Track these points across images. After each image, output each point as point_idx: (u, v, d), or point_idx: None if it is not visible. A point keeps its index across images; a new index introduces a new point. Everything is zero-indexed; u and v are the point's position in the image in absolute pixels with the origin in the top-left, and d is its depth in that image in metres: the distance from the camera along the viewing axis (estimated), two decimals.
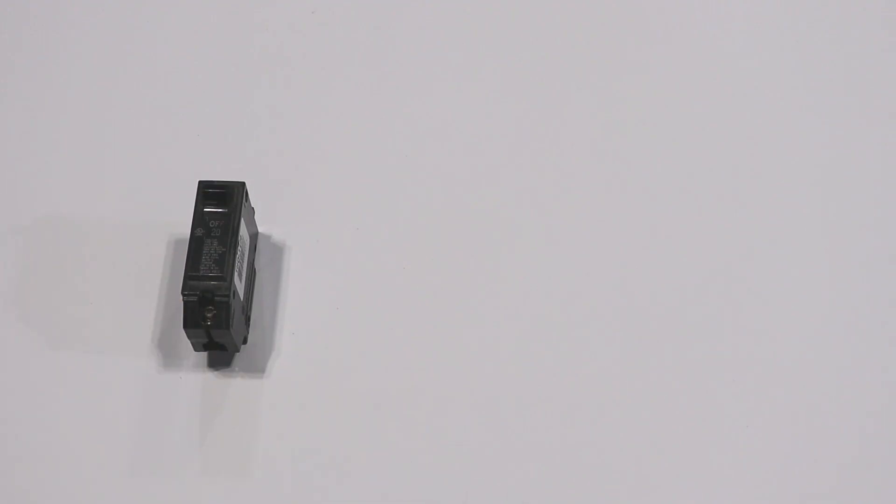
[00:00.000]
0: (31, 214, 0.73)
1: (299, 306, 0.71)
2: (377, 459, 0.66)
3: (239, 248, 0.66)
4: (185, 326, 0.64)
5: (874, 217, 0.75)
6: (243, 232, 0.67)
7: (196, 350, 0.67)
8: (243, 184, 0.68)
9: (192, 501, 0.65)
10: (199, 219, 0.66)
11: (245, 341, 0.69)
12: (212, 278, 0.64)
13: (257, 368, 0.69)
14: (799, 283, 0.72)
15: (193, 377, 0.68)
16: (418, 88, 0.80)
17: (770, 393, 0.68)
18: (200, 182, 0.67)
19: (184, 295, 0.64)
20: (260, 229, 0.73)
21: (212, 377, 0.68)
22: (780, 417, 0.68)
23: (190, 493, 0.65)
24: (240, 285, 0.67)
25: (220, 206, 0.66)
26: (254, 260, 0.71)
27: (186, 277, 0.64)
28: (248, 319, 0.69)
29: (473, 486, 0.66)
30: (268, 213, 0.72)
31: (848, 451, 0.67)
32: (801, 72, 0.81)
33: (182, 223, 0.67)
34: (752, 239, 0.74)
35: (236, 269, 0.65)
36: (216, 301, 0.64)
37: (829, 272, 0.73)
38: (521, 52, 0.81)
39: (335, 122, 0.78)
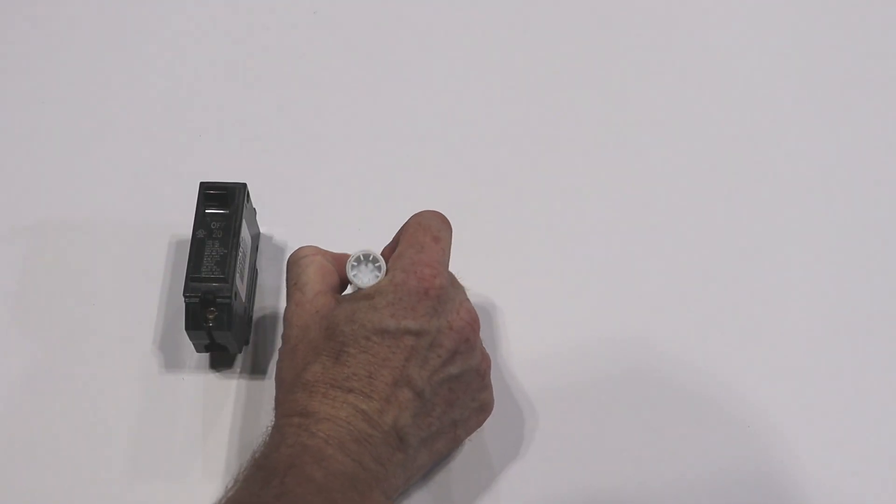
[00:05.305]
0: (32, 215, 0.73)
1: None
2: None
3: (240, 249, 0.66)
4: (186, 328, 0.64)
5: (882, 214, 0.75)
6: (245, 233, 0.67)
7: (198, 351, 0.67)
8: (244, 185, 0.68)
9: (193, 502, 0.65)
10: (200, 220, 0.66)
11: (247, 342, 0.69)
12: (213, 280, 0.64)
13: (259, 369, 0.69)
14: (802, 278, 0.72)
15: (195, 378, 0.68)
16: (420, 88, 0.80)
17: (771, 392, 0.68)
18: (202, 183, 0.67)
19: (185, 297, 0.64)
20: (262, 230, 0.73)
21: (214, 378, 0.68)
22: (782, 417, 0.68)
23: (192, 495, 0.65)
24: (241, 286, 0.67)
25: (222, 207, 0.66)
26: (255, 260, 0.71)
27: (188, 279, 0.64)
28: (249, 320, 0.69)
29: (473, 485, 0.66)
30: (269, 214, 0.72)
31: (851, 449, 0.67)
32: (803, 72, 0.81)
33: (183, 224, 0.67)
34: (756, 238, 0.74)
35: (238, 270, 0.65)
36: (218, 303, 0.64)
37: (837, 265, 0.73)
38: (522, 52, 0.81)
39: (337, 123, 0.78)
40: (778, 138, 0.78)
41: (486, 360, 0.62)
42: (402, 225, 0.63)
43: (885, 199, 0.75)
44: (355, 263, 0.62)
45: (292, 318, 0.61)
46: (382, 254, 0.63)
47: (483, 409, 0.63)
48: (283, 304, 0.71)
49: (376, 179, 0.76)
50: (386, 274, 0.61)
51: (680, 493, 0.65)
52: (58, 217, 0.73)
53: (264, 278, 0.72)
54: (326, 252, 0.64)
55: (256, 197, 0.70)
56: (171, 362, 0.68)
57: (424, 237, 0.61)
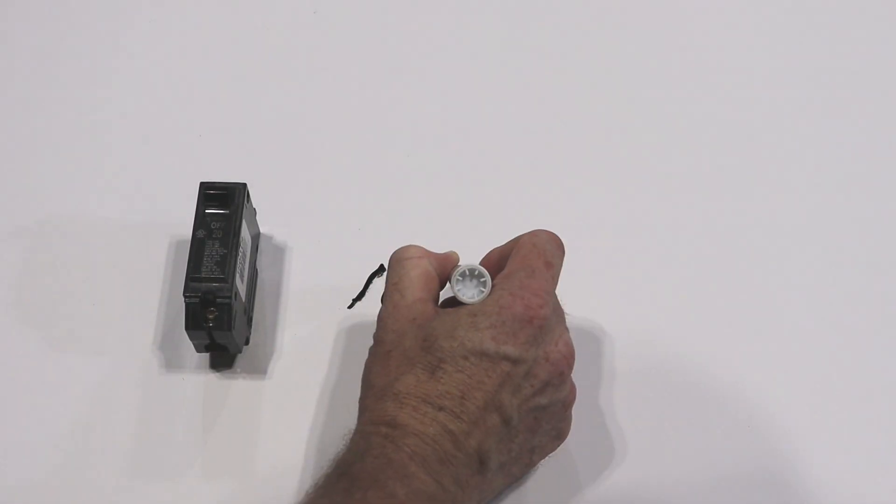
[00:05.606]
0: (32, 216, 0.74)
1: (301, 307, 0.71)
2: None
3: (240, 249, 0.66)
4: (186, 328, 0.64)
5: (884, 212, 0.75)
6: (245, 233, 0.67)
7: (198, 351, 0.67)
8: (245, 185, 0.68)
9: (193, 502, 0.65)
10: (200, 220, 0.66)
11: (247, 342, 0.69)
12: (213, 280, 0.64)
13: (259, 369, 0.69)
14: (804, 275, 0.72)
15: (195, 378, 0.68)
16: (420, 89, 0.80)
17: (772, 390, 0.69)
18: (202, 183, 0.67)
19: (185, 297, 0.64)
20: (262, 230, 0.73)
21: (214, 378, 0.68)
22: (782, 415, 0.68)
23: (191, 494, 0.65)
24: (241, 286, 0.67)
25: (222, 207, 0.66)
26: (255, 260, 0.71)
27: (188, 279, 0.64)
28: (249, 320, 0.69)
29: None
30: (270, 214, 0.72)
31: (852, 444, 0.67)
32: (805, 72, 0.81)
33: (183, 224, 0.67)
34: (759, 236, 0.74)
35: (238, 270, 0.65)
36: (218, 303, 0.64)
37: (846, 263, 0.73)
38: (523, 52, 0.81)
39: (337, 123, 0.78)
40: (784, 136, 0.78)
41: (572, 392, 0.62)
42: (512, 238, 0.63)
43: (887, 198, 0.75)
44: (460, 278, 0.61)
45: (388, 321, 0.60)
46: (488, 259, 0.63)
47: (559, 437, 0.63)
48: (283, 304, 0.71)
49: (376, 179, 0.76)
50: (491, 291, 0.60)
51: (680, 491, 0.65)
52: (58, 217, 0.73)
53: (264, 278, 0.72)
54: (432, 255, 0.63)
55: (256, 197, 0.70)
56: (171, 362, 0.68)
57: (537, 261, 0.61)
